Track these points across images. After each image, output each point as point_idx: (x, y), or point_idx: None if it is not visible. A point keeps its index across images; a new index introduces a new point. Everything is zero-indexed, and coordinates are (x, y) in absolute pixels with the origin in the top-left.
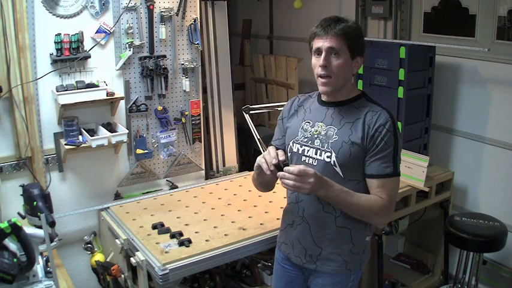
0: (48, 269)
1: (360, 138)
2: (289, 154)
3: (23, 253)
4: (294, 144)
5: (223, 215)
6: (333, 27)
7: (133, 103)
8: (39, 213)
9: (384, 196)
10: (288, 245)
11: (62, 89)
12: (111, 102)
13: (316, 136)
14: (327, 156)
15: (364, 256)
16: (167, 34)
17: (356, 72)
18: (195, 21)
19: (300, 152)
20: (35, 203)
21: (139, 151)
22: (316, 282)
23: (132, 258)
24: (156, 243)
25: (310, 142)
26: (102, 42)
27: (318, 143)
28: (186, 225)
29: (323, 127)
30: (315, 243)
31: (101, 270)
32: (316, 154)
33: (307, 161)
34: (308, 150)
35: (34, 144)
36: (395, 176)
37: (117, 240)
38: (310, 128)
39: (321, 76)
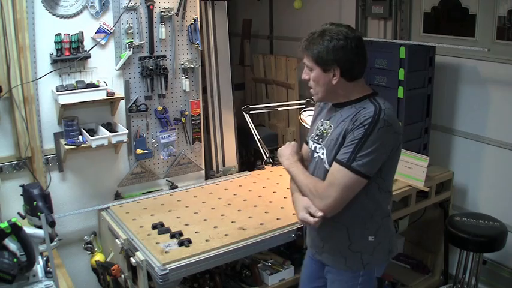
0: (48, 269)
1: (343, 135)
2: None
3: (23, 253)
4: (309, 140)
5: (223, 215)
6: (304, 42)
7: (134, 103)
8: (39, 213)
9: (325, 180)
10: (307, 234)
11: (62, 89)
12: (111, 102)
13: (324, 134)
14: (322, 153)
15: (370, 258)
16: (167, 34)
17: (338, 82)
18: (195, 21)
19: (313, 148)
20: (35, 203)
21: (139, 151)
22: (328, 277)
23: (132, 258)
24: (156, 243)
25: (320, 140)
26: (102, 42)
27: (322, 141)
28: (186, 225)
29: (330, 125)
30: (318, 235)
31: (101, 270)
32: (319, 151)
33: (315, 157)
34: (317, 147)
35: (34, 144)
36: (345, 167)
37: (117, 240)
38: (320, 126)
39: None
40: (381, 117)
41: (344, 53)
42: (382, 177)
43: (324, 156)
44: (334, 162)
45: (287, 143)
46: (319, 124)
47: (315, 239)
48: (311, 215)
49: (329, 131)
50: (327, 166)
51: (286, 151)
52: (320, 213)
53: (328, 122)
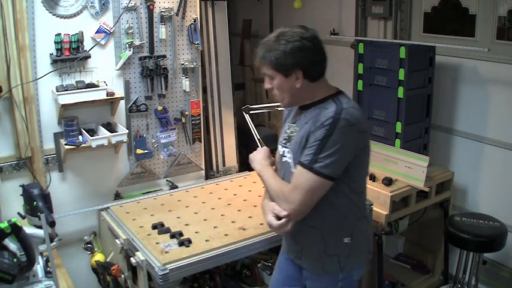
0: (48, 269)
1: (306, 137)
2: None
3: (23, 253)
4: (279, 145)
5: (223, 215)
6: (260, 50)
7: (134, 103)
8: (39, 213)
9: (291, 183)
10: (283, 238)
11: (62, 89)
12: (111, 102)
13: (291, 138)
14: (289, 157)
15: (346, 260)
16: (167, 34)
17: (302, 84)
18: (195, 21)
19: (281, 153)
20: (35, 203)
21: (139, 151)
22: (307, 283)
23: (132, 258)
24: (156, 243)
25: (287, 144)
26: (102, 42)
27: (289, 145)
28: (186, 225)
29: (295, 128)
30: (293, 239)
31: (101, 270)
32: (287, 155)
33: (283, 161)
34: (285, 151)
35: (34, 144)
36: (308, 169)
37: (117, 240)
38: (287, 130)
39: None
40: (341, 117)
41: (303, 54)
42: (350, 177)
43: (291, 160)
44: (297, 165)
45: (258, 148)
46: (287, 128)
47: (291, 243)
48: (279, 218)
49: (294, 134)
50: (293, 170)
51: (258, 156)
52: (285, 213)
53: (294, 125)
